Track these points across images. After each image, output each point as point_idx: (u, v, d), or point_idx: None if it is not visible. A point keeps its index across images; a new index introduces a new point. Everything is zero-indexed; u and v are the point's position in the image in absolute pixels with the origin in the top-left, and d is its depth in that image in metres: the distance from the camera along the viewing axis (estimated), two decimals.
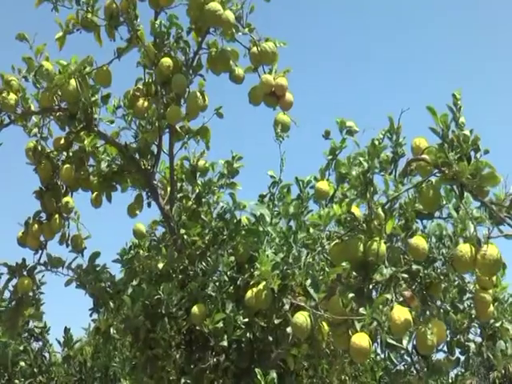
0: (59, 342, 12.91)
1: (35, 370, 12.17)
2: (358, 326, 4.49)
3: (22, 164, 6.74)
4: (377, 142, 5.06)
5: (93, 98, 6.48)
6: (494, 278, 4.91)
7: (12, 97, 6.20)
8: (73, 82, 6.18)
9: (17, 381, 11.85)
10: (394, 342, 4.79)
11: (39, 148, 6.70)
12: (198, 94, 6.27)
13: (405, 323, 4.32)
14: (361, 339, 4.39)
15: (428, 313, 4.92)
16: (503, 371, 28.80)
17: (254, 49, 6.10)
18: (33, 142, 6.71)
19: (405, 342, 4.62)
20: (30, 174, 6.72)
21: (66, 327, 12.93)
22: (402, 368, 5.61)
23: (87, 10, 6.41)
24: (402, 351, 5.18)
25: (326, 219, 5.11)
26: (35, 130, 6.70)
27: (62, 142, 6.70)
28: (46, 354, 12.68)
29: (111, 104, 6.67)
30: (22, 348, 12.07)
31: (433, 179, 4.68)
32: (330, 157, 5.74)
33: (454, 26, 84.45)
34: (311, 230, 5.52)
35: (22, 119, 6.49)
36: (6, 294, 6.87)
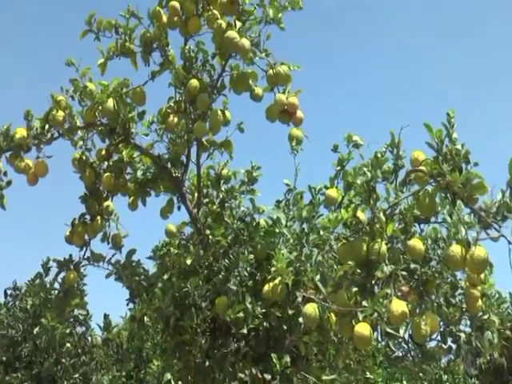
0: (100, 327, 13.09)
1: (79, 350, 12.24)
2: (360, 316, 4.51)
3: (69, 173, 6.76)
4: (379, 155, 5.08)
5: (130, 115, 6.46)
6: (482, 276, 4.89)
7: (61, 114, 6.17)
8: (111, 100, 6.16)
9: (63, 360, 11.89)
10: (392, 331, 4.81)
11: (84, 158, 6.69)
12: (219, 111, 6.27)
13: (402, 315, 4.36)
14: (363, 328, 4.42)
15: (423, 306, 4.87)
16: (488, 358, 28.69)
17: (271, 71, 6.06)
18: (78, 153, 6.70)
19: (402, 331, 4.74)
20: (75, 181, 6.73)
21: (105, 314, 13.14)
22: (400, 354, 5.62)
23: (125, 39, 6.41)
24: (399, 339, 5.14)
25: (334, 222, 5.16)
26: (80, 142, 6.68)
27: (104, 153, 6.67)
28: (89, 338, 12.74)
29: (146, 120, 6.66)
30: (68, 331, 12.13)
31: (429, 188, 4.68)
32: (339, 167, 5.73)
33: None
34: (321, 232, 5.44)
35: (69, 133, 6.42)
36: (56, 285, 6.80)
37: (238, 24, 6.05)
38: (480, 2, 78.51)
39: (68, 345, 12.19)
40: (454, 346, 5.34)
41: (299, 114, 6.07)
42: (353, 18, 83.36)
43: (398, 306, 4.36)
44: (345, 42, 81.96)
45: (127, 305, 6.77)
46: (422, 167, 4.64)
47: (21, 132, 6.03)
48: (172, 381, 7.08)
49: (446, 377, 13.72)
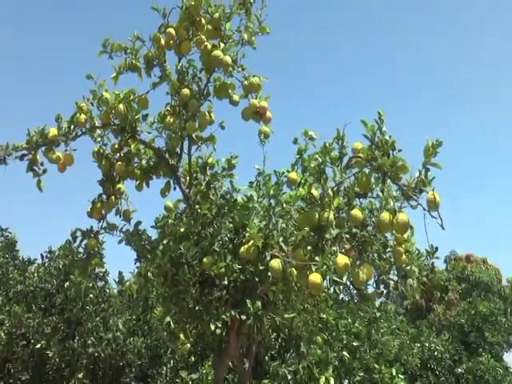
0: (115, 281, 13.12)
1: (99, 300, 12.31)
2: (314, 268, 4.64)
3: (90, 162, 6.79)
4: (328, 145, 5.10)
5: (136, 116, 6.49)
6: (406, 236, 5.06)
7: (83, 116, 6.21)
8: (121, 105, 6.24)
9: (87, 307, 11.95)
10: (338, 279, 5.01)
11: (101, 151, 6.71)
12: (207, 113, 6.33)
13: (345, 266, 4.49)
14: (316, 277, 4.53)
15: (361, 260, 5.06)
16: (412, 299, 28.90)
17: (246, 82, 6.07)
18: (97, 147, 6.73)
19: (345, 278, 4.95)
20: (95, 169, 6.76)
21: (119, 271, 13.28)
22: (345, 298, 5.73)
23: (132, 57, 6.44)
24: (343, 285, 5.24)
25: (294, 198, 5.30)
26: (99, 138, 6.67)
27: (116, 146, 6.68)
28: (107, 290, 12.81)
29: (149, 120, 6.65)
30: (90, 285, 12.20)
31: (366, 170, 4.79)
32: (298, 156, 5.69)
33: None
34: (284, 206, 5.60)
35: (90, 132, 6.44)
36: (80, 250, 6.85)
37: (221, 45, 6.11)
38: None
39: (91, 295, 12.31)
40: (385, 291, 5.46)
41: (268, 114, 6.09)
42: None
43: (342, 260, 4.48)
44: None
45: (135, 263, 6.84)
46: (360, 154, 4.75)
47: (53, 131, 6.08)
48: (171, 322, 7.13)
49: (379, 314, 13.80)
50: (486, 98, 79.01)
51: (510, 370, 20.72)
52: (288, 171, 5.78)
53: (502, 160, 74.41)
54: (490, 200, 72.33)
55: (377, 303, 12.77)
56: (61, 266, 12.49)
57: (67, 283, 12.18)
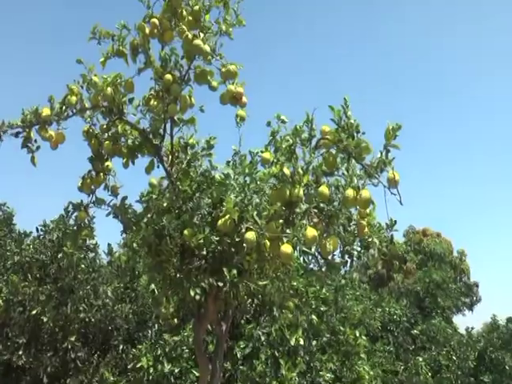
0: (105, 253, 13.01)
1: (90, 269, 12.20)
2: (285, 240, 4.65)
3: (80, 141, 6.64)
4: (298, 128, 5.09)
5: (123, 99, 6.36)
6: (368, 211, 5.05)
7: (74, 98, 6.11)
8: (109, 89, 6.14)
9: (79, 276, 11.92)
10: (307, 250, 5.01)
11: (91, 130, 6.57)
12: (187, 97, 6.25)
13: (313, 238, 4.50)
14: (286, 248, 4.56)
15: (328, 232, 4.99)
16: (375, 269, 29.23)
17: (223, 69, 6.03)
18: (87, 127, 6.57)
19: (313, 249, 4.93)
20: (84, 146, 6.63)
21: (108, 243, 13.17)
22: (314, 267, 5.72)
23: (119, 44, 6.33)
24: (312, 255, 5.20)
25: (267, 176, 5.28)
26: (88, 119, 6.55)
27: (105, 127, 6.54)
28: (97, 260, 12.76)
29: (134, 103, 6.50)
30: (82, 256, 12.14)
31: (332, 151, 4.77)
32: (271, 137, 5.65)
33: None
34: (258, 183, 5.58)
35: (80, 112, 6.32)
36: (71, 222, 6.74)
37: (201, 35, 6.07)
38: None
39: (82, 265, 12.29)
40: (349, 260, 5.47)
41: (244, 99, 6.07)
42: None
43: (311, 232, 4.49)
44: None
45: (121, 235, 6.77)
46: (327, 136, 4.72)
47: (46, 111, 5.98)
48: (155, 289, 7.11)
49: (344, 282, 13.89)
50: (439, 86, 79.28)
51: (458, 331, 21.10)
52: (262, 151, 5.74)
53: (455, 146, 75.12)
54: (444, 179, 73.10)
55: (342, 272, 12.79)
56: (54, 239, 12.41)
57: (60, 254, 12.12)
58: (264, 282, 6.81)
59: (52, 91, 6.16)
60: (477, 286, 34.27)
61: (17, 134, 6.03)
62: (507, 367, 17.97)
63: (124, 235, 6.77)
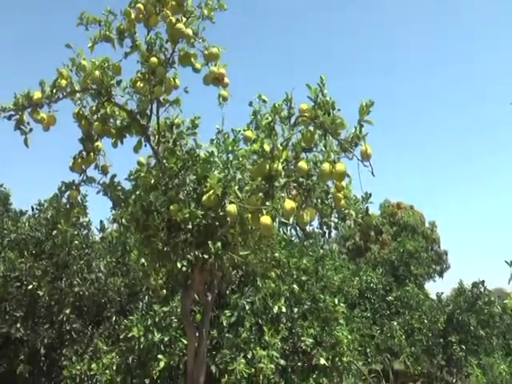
0: (97, 229, 12.91)
1: (83, 245, 12.15)
2: (264, 212, 4.59)
3: (71, 122, 6.57)
4: (277, 106, 5.08)
5: (111, 82, 6.29)
6: (344, 184, 4.95)
7: (63, 81, 5.99)
8: (97, 72, 6.08)
9: (73, 252, 11.85)
10: (285, 221, 4.98)
11: (81, 112, 6.48)
12: (172, 79, 6.20)
13: (291, 210, 4.46)
14: (266, 219, 4.50)
15: (306, 204, 5.00)
16: (352, 241, 29.42)
17: (206, 52, 5.95)
18: (77, 109, 6.49)
19: (291, 220, 4.81)
20: (75, 128, 6.56)
21: (100, 220, 13.03)
22: (294, 239, 5.74)
23: (106, 29, 6.24)
24: (290, 226, 5.23)
25: (249, 152, 5.27)
26: (78, 101, 6.47)
27: (94, 108, 6.47)
28: (90, 237, 12.69)
29: (122, 85, 6.43)
30: (76, 233, 12.07)
31: (310, 127, 4.75)
32: (253, 116, 5.64)
33: None
34: (240, 159, 5.57)
35: (71, 95, 6.23)
36: (64, 200, 6.67)
37: (184, 19, 6.03)
38: None
39: (76, 242, 12.20)
40: (327, 231, 5.49)
41: (226, 80, 6.02)
42: None
43: (289, 204, 4.45)
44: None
45: (111, 211, 6.75)
46: (305, 114, 4.69)
47: (37, 94, 5.86)
48: (145, 263, 7.09)
49: (323, 252, 13.95)
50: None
51: (429, 296, 21.48)
52: (244, 130, 5.73)
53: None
54: (417, 156, 73.67)
55: (321, 243, 12.85)
56: (49, 217, 12.36)
57: (55, 231, 12.09)
58: (246, 252, 6.81)
59: (43, 75, 6.10)
60: (446, 254, 34.75)
61: (10, 117, 5.92)
62: (472, 327, 18.32)
63: (113, 212, 6.72)
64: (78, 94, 6.38)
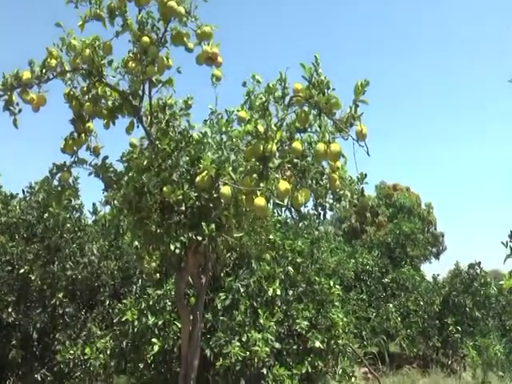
0: (90, 212, 12.89)
1: (76, 228, 12.16)
2: (259, 193, 4.64)
3: (61, 103, 6.56)
4: (271, 86, 5.12)
5: (102, 62, 6.27)
6: (339, 165, 5.01)
7: (53, 61, 5.98)
8: (88, 51, 6.07)
9: (65, 235, 11.84)
10: (280, 202, 5.01)
11: (72, 93, 6.46)
12: (164, 58, 6.12)
13: (286, 191, 4.48)
14: (260, 201, 4.53)
15: (301, 185, 5.04)
16: (348, 223, 29.52)
17: (199, 31, 5.91)
18: (68, 89, 6.47)
19: (286, 201, 4.86)
20: (66, 109, 6.52)
21: (93, 203, 13.05)
22: (291, 221, 5.78)
23: (96, 7, 6.15)
24: (284, 207, 5.27)
25: (243, 133, 5.31)
26: (69, 82, 6.44)
27: (85, 89, 6.45)
28: (82, 220, 12.69)
29: (113, 65, 6.40)
30: (68, 216, 12.05)
31: (305, 108, 4.76)
32: (247, 96, 5.68)
33: None
34: (234, 140, 5.59)
35: (61, 75, 6.20)
36: (55, 182, 6.66)
37: None
38: None
39: (68, 225, 12.20)
40: (322, 212, 5.52)
41: (219, 59, 5.98)
42: None
43: (283, 185, 4.48)
44: None
45: (103, 193, 6.74)
46: (299, 93, 4.69)
47: (26, 74, 5.85)
48: (138, 246, 7.12)
49: (317, 234, 14.00)
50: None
51: (425, 278, 21.59)
52: (238, 110, 5.75)
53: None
54: (413, 137, 73.76)
55: (316, 223, 12.89)
56: (40, 200, 12.31)
57: (46, 214, 12.06)
58: (240, 234, 6.84)
59: (32, 55, 6.07)
60: (442, 236, 34.99)
61: None
62: (467, 309, 18.50)
63: (106, 194, 6.74)
64: (68, 74, 6.35)
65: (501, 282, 5.50)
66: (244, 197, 4.95)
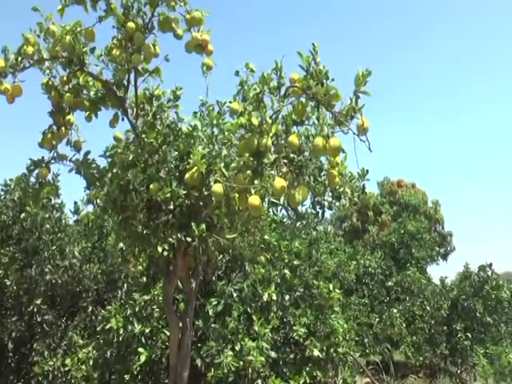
0: (71, 211, 12.86)
1: (55, 229, 12.12)
2: (253, 191, 4.67)
3: (39, 94, 6.55)
4: (266, 76, 5.13)
5: (84, 49, 6.27)
6: (339, 160, 5.03)
7: (30, 49, 5.97)
8: (68, 37, 6.05)
9: (44, 237, 11.82)
10: (275, 201, 5.08)
11: (50, 83, 6.48)
12: (151, 45, 6.13)
13: (282, 188, 4.50)
14: (254, 199, 4.55)
15: (298, 182, 5.04)
16: (349, 222, 29.58)
17: (188, 16, 5.92)
18: (46, 79, 6.49)
19: (282, 199, 4.94)
20: (44, 100, 6.51)
21: (75, 201, 13.01)
22: (284, 221, 5.80)
23: None
24: (280, 206, 5.34)
25: (235, 126, 5.23)
26: (47, 71, 6.45)
27: (65, 78, 6.46)
28: (63, 220, 12.65)
29: (96, 53, 6.41)
30: (47, 216, 12.03)
31: (302, 99, 4.78)
32: (240, 87, 5.74)
33: None
34: (226, 133, 5.58)
35: (38, 64, 6.21)
36: (32, 180, 6.68)
37: None
38: None
39: (47, 225, 12.16)
40: (320, 211, 5.54)
41: (210, 47, 6.00)
42: None
43: (279, 183, 4.49)
44: None
45: (84, 191, 6.74)
46: (296, 84, 4.71)
47: (0, 62, 5.82)
48: (123, 247, 7.13)
49: (315, 233, 14.03)
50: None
51: (432, 281, 21.58)
52: (230, 102, 5.80)
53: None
54: (418, 132, 73.86)
55: (315, 223, 12.92)
56: (16, 198, 12.25)
57: (23, 214, 12.00)
58: (233, 235, 6.85)
59: (6, 42, 6.06)
60: (451, 235, 34.97)
61: None
62: (478, 314, 18.49)
63: (88, 192, 6.73)
64: (46, 63, 6.35)
65: None
66: (237, 195, 4.98)
